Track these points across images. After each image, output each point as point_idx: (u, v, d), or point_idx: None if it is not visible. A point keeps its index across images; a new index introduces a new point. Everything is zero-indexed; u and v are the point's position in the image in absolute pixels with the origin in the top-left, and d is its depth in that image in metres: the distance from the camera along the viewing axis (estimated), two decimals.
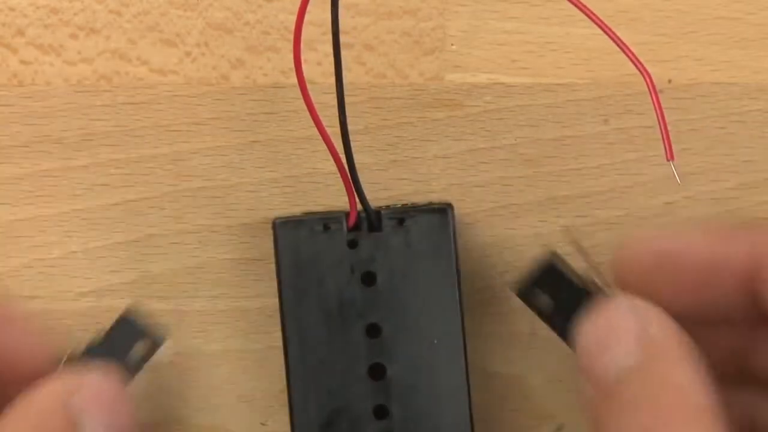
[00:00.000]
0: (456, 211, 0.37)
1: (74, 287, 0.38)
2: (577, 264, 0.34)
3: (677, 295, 0.33)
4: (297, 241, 0.36)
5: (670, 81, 0.38)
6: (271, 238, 0.36)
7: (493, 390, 0.38)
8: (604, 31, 0.32)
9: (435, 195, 0.38)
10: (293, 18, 0.34)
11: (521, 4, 0.38)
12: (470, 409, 0.36)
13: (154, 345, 0.34)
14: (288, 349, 0.36)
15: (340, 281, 0.36)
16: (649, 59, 0.37)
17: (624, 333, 0.32)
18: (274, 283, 0.36)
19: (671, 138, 0.34)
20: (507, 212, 0.38)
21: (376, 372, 0.36)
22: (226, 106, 0.38)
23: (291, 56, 0.35)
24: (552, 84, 0.38)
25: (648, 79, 0.31)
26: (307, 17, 0.34)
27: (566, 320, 0.33)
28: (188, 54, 0.38)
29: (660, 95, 0.32)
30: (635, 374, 0.31)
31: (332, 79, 0.35)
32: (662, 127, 0.31)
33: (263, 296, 0.38)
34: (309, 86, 0.35)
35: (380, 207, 0.37)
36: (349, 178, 0.35)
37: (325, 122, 0.35)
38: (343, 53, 0.34)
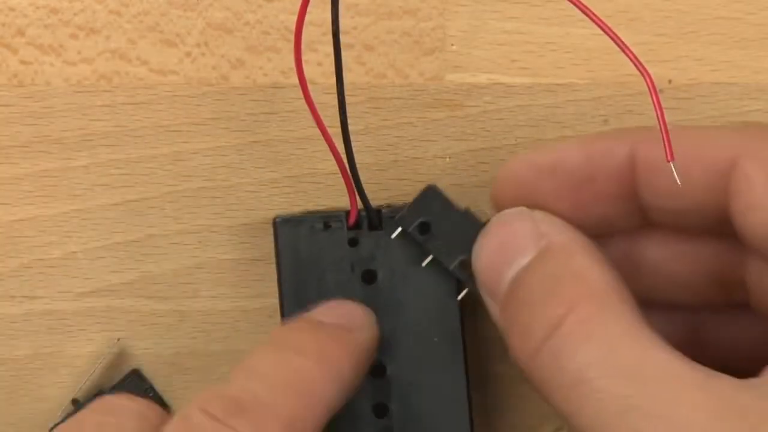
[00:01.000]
0: None
1: (74, 287, 0.38)
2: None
3: (560, 207, 0.32)
4: (297, 240, 0.36)
5: (670, 81, 0.38)
6: (272, 238, 0.36)
7: (493, 390, 0.38)
8: (604, 31, 0.32)
9: None
10: (293, 18, 0.34)
11: (521, 4, 0.38)
12: (470, 408, 0.36)
13: None
14: None
15: (340, 279, 0.36)
16: (649, 59, 0.37)
17: (516, 237, 0.32)
18: (275, 283, 0.36)
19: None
20: None
21: (376, 370, 0.36)
22: (226, 106, 0.38)
23: (291, 56, 0.35)
24: (552, 84, 0.38)
25: (648, 80, 0.31)
26: (307, 17, 0.34)
27: (451, 248, 0.33)
28: (188, 54, 0.38)
29: (660, 95, 0.31)
30: (531, 271, 0.31)
31: (332, 80, 0.35)
32: (662, 127, 0.31)
33: (263, 296, 0.38)
34: (309, 86, 0.35)
35: (380, 206, 0.37)
36: (350, 175, 0.35)
37: (325, 122, 0.35)
38: (344, 53, 0.34)
